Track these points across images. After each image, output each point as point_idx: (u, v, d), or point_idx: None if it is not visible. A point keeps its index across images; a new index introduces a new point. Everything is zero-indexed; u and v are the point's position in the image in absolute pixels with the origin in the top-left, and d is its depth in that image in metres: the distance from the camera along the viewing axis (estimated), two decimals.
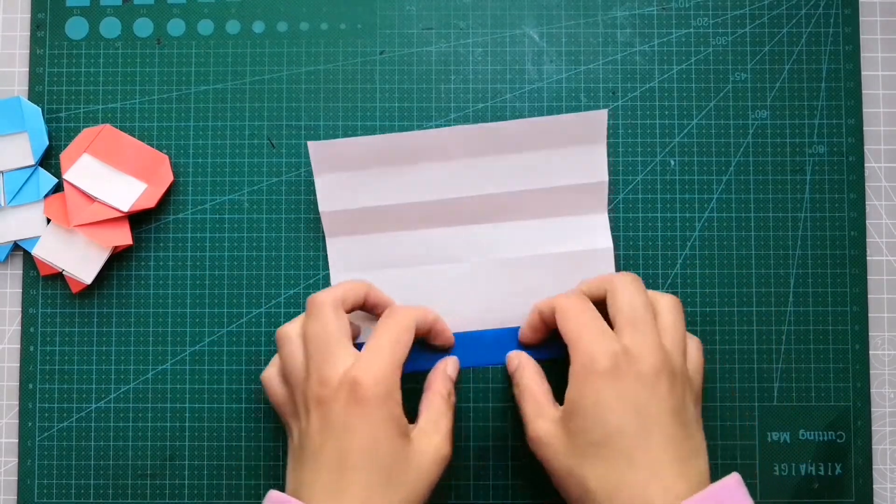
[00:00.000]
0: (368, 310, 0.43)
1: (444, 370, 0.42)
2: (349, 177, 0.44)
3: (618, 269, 0.45)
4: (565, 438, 0.37)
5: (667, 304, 0.40)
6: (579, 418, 0.37)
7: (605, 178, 0.44)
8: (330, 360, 0.37)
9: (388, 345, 0.38)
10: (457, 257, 0.45)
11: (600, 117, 0.44)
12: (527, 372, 0.41)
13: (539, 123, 0.44)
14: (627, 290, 0.39)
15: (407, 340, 0.39)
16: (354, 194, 0.44)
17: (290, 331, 0.40)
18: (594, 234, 0.45)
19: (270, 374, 0.40)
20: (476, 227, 0.45)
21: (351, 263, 0.45)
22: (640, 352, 0.37)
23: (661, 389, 0.36)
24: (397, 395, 0.37)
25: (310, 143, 0.44)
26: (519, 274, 0.45)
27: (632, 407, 0.36)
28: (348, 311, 0.40)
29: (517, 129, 0.44)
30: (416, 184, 0.44)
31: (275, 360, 0.41)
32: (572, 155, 0.44)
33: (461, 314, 0.45)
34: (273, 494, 0.37)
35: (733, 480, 0.36)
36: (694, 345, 0.40)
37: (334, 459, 0.36)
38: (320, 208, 0.44)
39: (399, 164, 0.44)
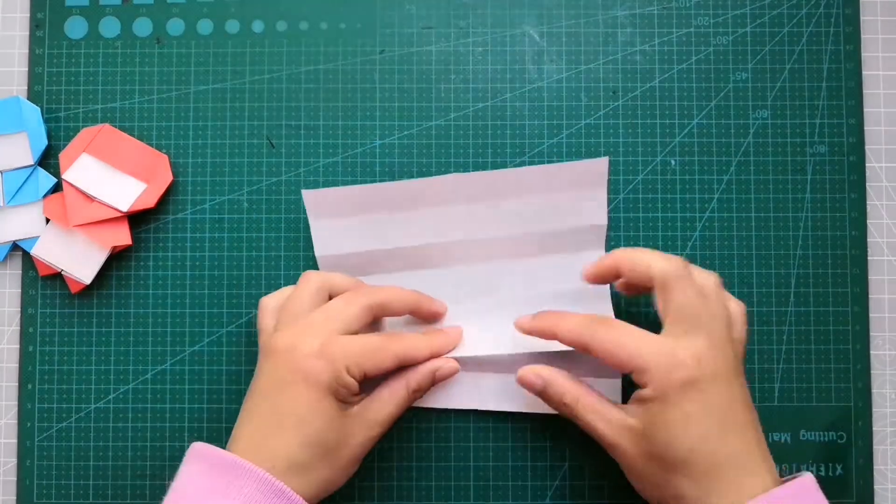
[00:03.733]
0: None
1: (433, 370, 0.41)
2: (345, 223, 0.44)
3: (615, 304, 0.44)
4: (649, 448, 0.36)
5: (708, 282, 0.39)
6: (662, 432, 0.36)
7: (605, 221, 0.44)
8: (290, 325, 0.39)
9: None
10: (453, 298, 0.44)
11: (601, 166, 0.44)
12: (562, 384, 0.39)
13: (538, 172, 0.43)
14: (688, 287, 0.37)
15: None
16: (351, 239, 0.44)
17: (271, 302, 0.42)
18: None
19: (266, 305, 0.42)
20: (472, 266, 0.44)
21: None
22: (711, 347, 0.36)
23: (736, 384, 0.37)
24: (338, 366, 0.38)
25: (304, 192, 0.43)
26: (516, 313, 0.42)
27: (716, 413, 0.36)
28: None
29: (516, 178, 0.43)
30: (413, 229, 0.44)
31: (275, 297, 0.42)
32: (572, 200, 0.44)
33: (457, 355, 0.43)
34: (196, 446, 0.38)
35: (811, 480, 0.36)
36: (739, 310, 0.39)
37: (268, 417, 0.38)
38: (316, 253, 0.44)
39: (396, 210, 0.44)
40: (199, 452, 0.37)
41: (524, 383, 0.40)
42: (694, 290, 0.37)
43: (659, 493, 0.37)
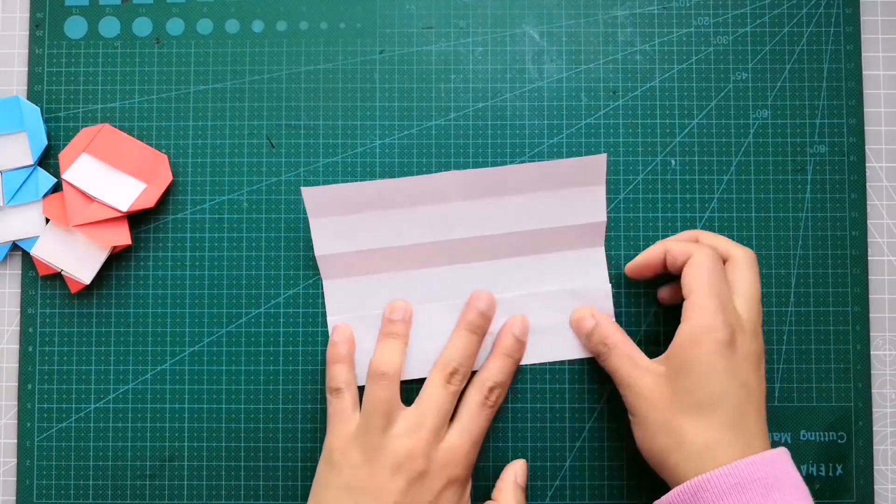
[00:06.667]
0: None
1: (514, 479, 0.43)
2: (345, 220, 0.44)
3: (616, 303, 0.45)
4: (668, 394, 0.39)
5: (750, 279, 0.41)
6: (688, 379, 0.38)
7: (604, 217, 0.44)
8: (435, 432, 0.41)
9: (477, 428, 0.42)
10: (455, 295, 0.44)
11: (600, 161, 0.44)
12: (609, 328, 0.42)
13: (538, 168, 0.43)
14: (752, 268, 0.40)
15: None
16: (351, 238, 0.44)
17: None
18: (591, 269, 0.45)
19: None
20: (474, 265, 0.44)
21: (348, 304, 0.45)
22: (753, 333, 0.39)
23: (761, 371, 0.39)
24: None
25: (304, 190, 0.43)
26: (515, 310, 0.44)
27: (739, 380, 0.38)
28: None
29: (516, 174, 0.44)
30: (413, 226, 0.44)
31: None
32: (571, 196, 0.44)
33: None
34: None
35: (784, 451, 0.38)
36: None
37: None
38: (316, 252, 0.44)
39: (395, 207, 0.44)
40: None
41: (577, 323, 0.44)
42: (754, 275, 0.40)
43: (662, 440, 0.38)
